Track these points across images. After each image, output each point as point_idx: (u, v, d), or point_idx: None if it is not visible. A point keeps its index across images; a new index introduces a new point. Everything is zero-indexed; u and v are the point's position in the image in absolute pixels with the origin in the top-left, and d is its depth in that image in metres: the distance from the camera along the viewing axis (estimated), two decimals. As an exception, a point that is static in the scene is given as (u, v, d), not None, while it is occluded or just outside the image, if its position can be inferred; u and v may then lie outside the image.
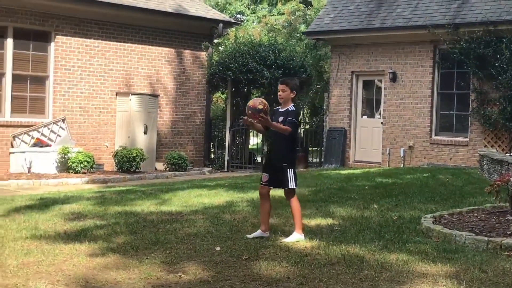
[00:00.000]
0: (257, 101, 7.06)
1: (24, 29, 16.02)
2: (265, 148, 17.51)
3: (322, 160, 20.33)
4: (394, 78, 18.48)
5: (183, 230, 7.73)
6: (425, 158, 17.91)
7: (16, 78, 15.95)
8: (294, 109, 7.21)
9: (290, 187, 7.20)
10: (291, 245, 6.90)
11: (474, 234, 7.10)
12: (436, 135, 17.96)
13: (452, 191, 11.00)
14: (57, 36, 16.48)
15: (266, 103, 7.09)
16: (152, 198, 10.52)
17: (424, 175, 13.54)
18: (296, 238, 7.10)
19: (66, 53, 16.65)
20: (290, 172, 7.16)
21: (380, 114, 19.17)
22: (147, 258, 6.37)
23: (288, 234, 7.40)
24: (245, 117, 7.10)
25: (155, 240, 7.14)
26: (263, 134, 7.34)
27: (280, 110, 7.29)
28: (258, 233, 7.33)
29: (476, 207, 8.91)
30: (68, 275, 5.79)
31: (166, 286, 5.50)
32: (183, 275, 5.79)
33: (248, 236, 7.29)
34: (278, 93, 7.28)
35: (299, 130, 17.95)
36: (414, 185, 11.83)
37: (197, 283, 5.58)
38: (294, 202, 7.24)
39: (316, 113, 24.74)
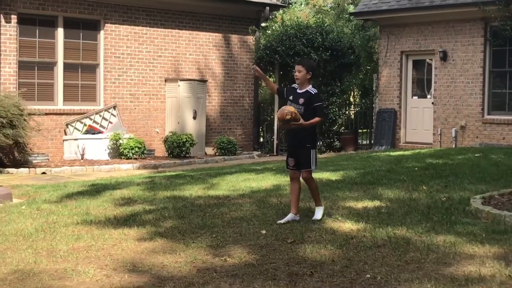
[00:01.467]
0: (284, 113, 7.11)
1: (74, 18, 16.30)
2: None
3: (372, 142, 20.18)
4: (444, 57, 18.17)
5: (229, 214, 7.79)
6: (477, 137, 17.59)
7: (67, 67, 16.27)
8: (316, 91, 7.31)
9: (311, 168, 7.33)
10: (337, 227, 6.89)
11: (524, 215, 6.96)
12: (488, 114, 17.62)
13: (503, 171, 10.78)
14: (106, 25, 16.71)
15: (292, 110, 7.13)
16: (200, 183, 10.61)
17: (476, 155, 13.30)
18: (322, 212, 7.37)
19: (116, 41, 16.88)
20: (313, 153, 7.29)
21: (431, 94, 18.88)
22: (193, 242, 6.45)
23: (334, 215, 7.42)
24: (255, 67, 7.64)
25: (201, 224, 7.23)
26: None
27: (299, 91, 7.33)
28: (289, 216, 7.34)
29: (527, 187, 8.73)
30: (116, 259, 5.92)
31: (212, 269, 5.56)
32: (228, 259, 5.85)
33: (280, 221, 7.24)
34: (295, 74, 7.33)
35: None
36: (465, 166, 11.63)
37: (242, 266, 5.63)
38: (312, 182, 7.43)
39: (366, 94, 24.50)
